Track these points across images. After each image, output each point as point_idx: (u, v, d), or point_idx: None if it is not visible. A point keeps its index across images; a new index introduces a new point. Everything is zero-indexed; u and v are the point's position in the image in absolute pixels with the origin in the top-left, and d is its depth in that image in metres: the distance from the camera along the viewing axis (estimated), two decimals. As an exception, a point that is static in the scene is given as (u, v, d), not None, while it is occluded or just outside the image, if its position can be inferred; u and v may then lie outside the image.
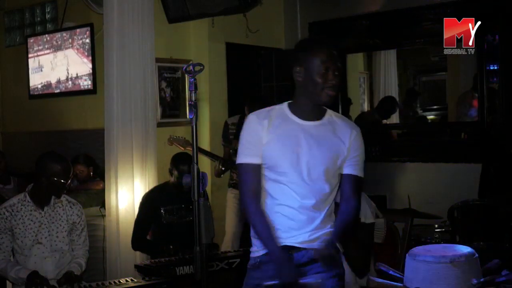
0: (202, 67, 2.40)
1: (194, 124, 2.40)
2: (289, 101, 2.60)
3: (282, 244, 2.49)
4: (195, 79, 2.39)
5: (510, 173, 4.77)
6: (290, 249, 2.50)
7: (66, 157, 3.69)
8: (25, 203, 3.56)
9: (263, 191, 2.54)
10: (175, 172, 4.09)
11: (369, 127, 6.43)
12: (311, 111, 2.54)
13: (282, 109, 2.57)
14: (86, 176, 5.25)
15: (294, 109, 2.56)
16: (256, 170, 2.51)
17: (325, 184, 2.50)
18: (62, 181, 3.52)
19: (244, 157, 2.52)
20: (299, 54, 2.55)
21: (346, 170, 2.54)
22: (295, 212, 2.50)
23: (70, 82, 5.71)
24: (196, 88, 2.39)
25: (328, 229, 2.54)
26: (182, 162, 4.06)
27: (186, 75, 5.21)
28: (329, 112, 2.59)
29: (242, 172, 2.54)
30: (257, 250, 2.56)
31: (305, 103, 2.54)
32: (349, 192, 2.55)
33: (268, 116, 2.53)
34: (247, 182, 2.52)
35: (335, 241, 2.49)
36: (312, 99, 2.51)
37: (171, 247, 3.87)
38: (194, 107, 2.38)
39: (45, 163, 3.54)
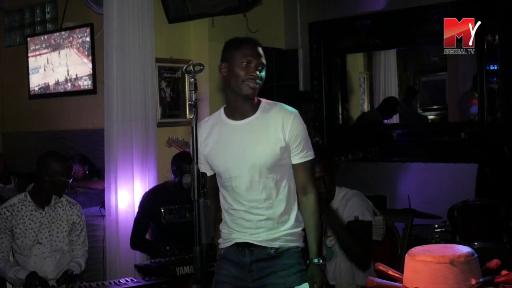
0: (202, 67, 2.40)
1: (194, 124, 2.40)
2: (225, 105, 2.68)
3: (242, 241, 2.59)
4: (195, 79, 2.39)
5: (506, 173, 4.78)
6: (249, 246, 2.58)
7: (66, 156, 3.71)
8: (26, 203, 3.57)
9: (221, 197, 2.67)
10: (180, 172, 4.08)
11: (370, 127, 6.44)
12: (242, 108, 2.59)
13: (219, 114, 2.68)
14: (82, 176, 5.24)
15: (227, 111, 2.65)
16: (210, 181, 2.54)
17: (269, 180, 2.54)
18: (64, 179, 3.53)
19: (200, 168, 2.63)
20: (225, 51, 2.68)
21: (294, 160, 2.58)
22: (248, 214, 2.57)
23: (70, 82, 5.70)
24: (196, 88, 2.39)
25: (290, 228, 2.58)
26: (186, 162, 4.07)
27: (186, 75, 5.22)
28: (263, 105, 2.61)
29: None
30: (222, 242, 2.68)
31: (234, 99, 2.61)
32: (303, 181, 2.59)
33: (206, 126, 2.67)
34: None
35: (317, 253, 2.57)
36: (236, 92, 2.58)
37: (168, 248, 3.88)
38: (194, 107, 2.38)
39: (47, 163, 3.55)
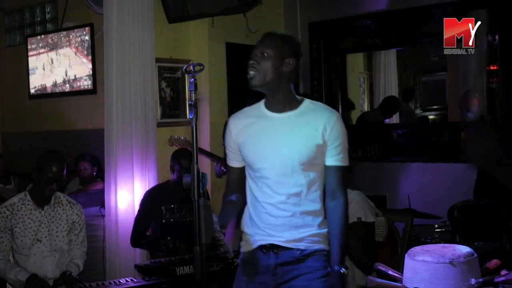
0: (202, 67, 2.40)
1: (194, 124, 2.39)
2: (265, 99, 2.63)
3: (267, 243, 2.52)
4: (195, 79, 2.39)
5: (506, 173, 4.77)
6: (274, 248, 2.51)
7: (60, 156, 3.70)
8: (26, 202, 3.57)
9: (247, 190, 2.61)
10: (177, 167, 4.09)
11: (370, 127, 6.44)
12: (280, 102, 2.54)
13: (259, 106, 2.62)
14: (89, 176, 5.22)
15: (268, 104, 2.59)
16: (236, 172, 2.65)
17: (300, 177, 2.48)
18: (50, 175, 3.50)
19: (228, 160, 2.70)
20: None
21: (328, 161, 2.51)
22: (274, 209, 2.51)
23: (70, 82, 5.70)
24: (196, 88, 2.39)
25: (316, 229, 2.52)
26: (183, 157, 4.07)
27: (186, 75, 5.22)
28: (306, 102, 2.56)
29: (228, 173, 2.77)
30: (244, 245, 2.61)
31: (267, 94, 2.58)
32: (333, 185, 2.52)
33: (244, 116, 2.62)
34: (227, 183, 2.73)
35: (340, 261, 2.48)
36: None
37: (169, 238, 3.87)
38: (194, 107, 2.38)
39: (39, 161, 3.57)
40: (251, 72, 2.53)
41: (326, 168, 2.52)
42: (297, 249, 2.50)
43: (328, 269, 2.50)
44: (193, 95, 2.39)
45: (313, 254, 2.51)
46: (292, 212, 2.50)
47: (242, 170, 2.64)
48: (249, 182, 2.60)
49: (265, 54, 2.52)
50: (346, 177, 3.01)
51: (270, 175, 2.50)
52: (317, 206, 2.53)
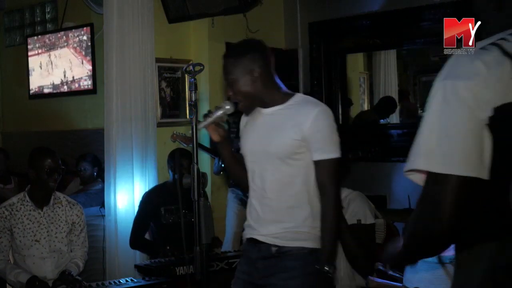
0: (202, 67, 2.40)
1: (194, 124, 2.40)
2: None
3: (250, 237, 2.57)
4: (195, 79, 2.39)
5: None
6: (256, 242, 2.54)
7: (52, 150, 3.69)
8: (25, 203, 3.57)
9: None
10: (174, 167, 4.09)
11: (368, 127, 6.44)
12: (269, 100, 2.55)
13: None
14: (90, 176, 5.21)
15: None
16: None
17: (280, 172, 2.49)
18: (48, 170, 3.50)
19: None
20: None
21: (313, 156, 2.47)
22: (258, 203, 2.55)
23: (70, 82, 5.70)
24: (196, 88, 2.39)
25: (297, 225, 2.49)
26: (180, 156, 4.06)
27: (186, 75, 5.23)
28: (296, 98, 2.55)
29: None
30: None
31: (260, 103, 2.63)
32: (319, 180, 2.48)
33: (250, 115, 2.67)
34: None
35: (324, 259, 2.44)
36: None
37: (168, 248, 3.87)
38: (194, 107, 2.38)
39: (32, 158, 3.55)
40: (237, 105, 2.55)
41: (314, 163, 2.48)
42: (274, 245, 2.49)
43: (310, 269, 2.45)
44: (193, 95, 2.39)
45: (291, 252, 2.49)
46: (272, 207, 2.51)
47: None
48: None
49: (231, 80, 2.53)
50: (341, 173, 2.99)
51: (254, 168, 2.55)
52: (300, 201, 2.50)
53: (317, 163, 2.46)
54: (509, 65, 1.29)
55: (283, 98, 2.54)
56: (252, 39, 2.88)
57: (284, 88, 2.59)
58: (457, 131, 1.28)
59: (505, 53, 1.31)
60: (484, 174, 1.28)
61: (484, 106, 1.27)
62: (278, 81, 2.57)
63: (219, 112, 2.52)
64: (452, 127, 1.29)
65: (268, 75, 2.53)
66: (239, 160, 2.66)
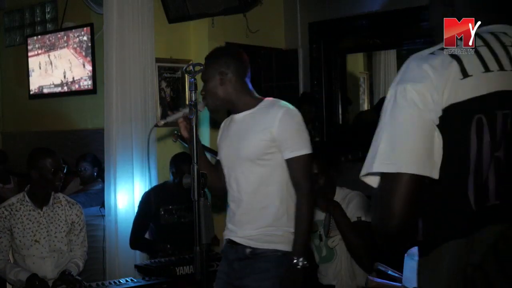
0: (202, 67, 2.41)
1: (194, 124, 2.40)
2: None
3: (228, 238, 2.65)
4: (195, 79, 2.40)
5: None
6: (233, 243, 2.61)
7: (52, 149, 3.69)
8: (24, 203, 3.56)
9: None
10: (177, 173, 4.08)
11: (368, 127, 6.44)
12: (240, 105, 2.63)
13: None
14: (90, 176, 5.21)
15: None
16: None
17: (252, 174, 2.55)
18: (52, 169, 3.50)
19: None
20: None
21: (285, 155, 2.53)
22: (233, 205, 2.63)
23: (70, 82, 5.70)
24: (196, 88, 2.40)
25: (270, 227, 2.53)
26: (182, 162, 4.06)
27: (186, 75, 5.23)
28: (265, 102, 2.62)
29: None
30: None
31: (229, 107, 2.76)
32: (294, 177, 2.54)
33: (226, 121, 2.79)
34: None
35: (296, 254, 2.48)
36: None
37: (168, 246, 3.88)
38: (194, 107, 2.38)
39: (34, 158, 3.55)
40: (205, 101, 2.63)
41: (286, 163, 2.55)
42: (249, 247, 2.56)
43: (281, 271, 2.50)
44: (193, 95, 2.39)
45: (264, 254, 2.54)
46: (247, 209, 2.58)
47: None
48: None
49: (204, 79, 2.64)
50: (330, 172, 3.08)
51: (230, 173, 2.63)
52: (273, 201, 2.55)
53: (289, 161, 2.53)
54: (457, 66, 1.35)
55: (254, 103, 2.62)
56: (234, 47, 2.98)
57: (256, 94, 2.68)
58: (406, 131, 1.33)
59: (452, 55, 1.37)
60: (435, 174, 1.32)
61: (433, 107, 1.32)
62: (251, 88, 2.66)
63: (179, 114, 2.59)
64: (401, 128, 1.34)
65: (240, 80, 2.62)
66: (215, 168, 2.75)
